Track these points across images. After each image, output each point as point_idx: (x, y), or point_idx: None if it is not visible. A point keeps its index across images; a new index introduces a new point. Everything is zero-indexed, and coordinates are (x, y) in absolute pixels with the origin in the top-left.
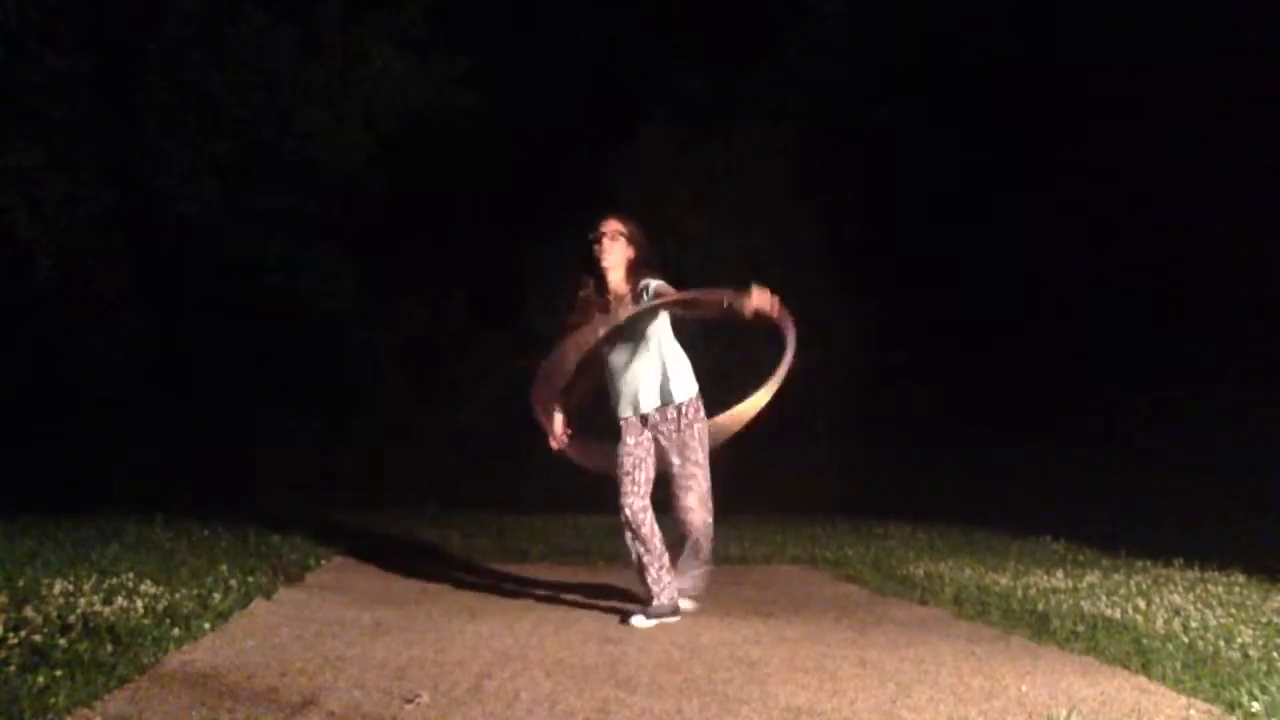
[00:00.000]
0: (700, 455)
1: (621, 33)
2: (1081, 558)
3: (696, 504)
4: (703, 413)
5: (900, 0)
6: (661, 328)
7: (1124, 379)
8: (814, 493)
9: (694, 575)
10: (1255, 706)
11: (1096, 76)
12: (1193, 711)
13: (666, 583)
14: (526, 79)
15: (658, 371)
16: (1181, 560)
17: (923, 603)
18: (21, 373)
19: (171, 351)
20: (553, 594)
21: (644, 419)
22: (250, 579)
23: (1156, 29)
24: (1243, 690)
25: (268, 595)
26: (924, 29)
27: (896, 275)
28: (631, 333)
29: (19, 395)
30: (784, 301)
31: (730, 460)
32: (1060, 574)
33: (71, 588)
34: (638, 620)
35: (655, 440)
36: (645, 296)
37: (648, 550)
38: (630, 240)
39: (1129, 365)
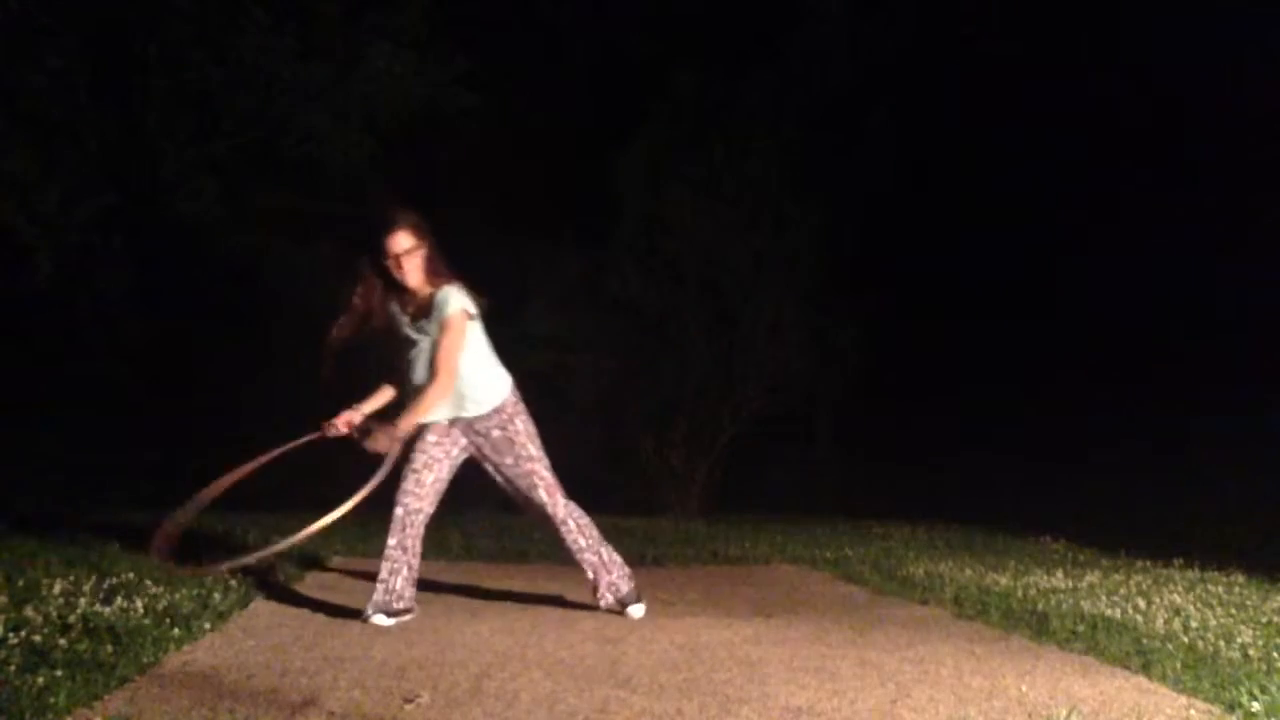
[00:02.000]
0: (532, 449)
1: (621, 33)
2: (1081, 558)
3: (547, 495)
4: (521, 406)
5: (900, 1)
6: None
7: (1125, 380)
8: (814, 493)
9: (617, 577)
10: (1255, 706)
11: (1096, 75)
12: (1193, 711)
13: (396, 589)
14: (526, 79)
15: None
16: (1181, 560)
17: (923, 603)
18: (21, 373)
19: (171, 351)
20: (553, 594)
21: (452, 422)
22: (250, 579)
23: (1158, 28)
24: (1243, 690)
25: (268, 595)
26: (924, 30)
27: (896, 275)
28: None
29: (18, 395)
30: (783, 301)
31: (731, 460)
32: (1060, 574)
33: (71, 588)
34: (378, 618)
35: (473, 444)
36: (441, 309)
37: (398, 554)
38: (423, 241)
39: (1131, 366)
